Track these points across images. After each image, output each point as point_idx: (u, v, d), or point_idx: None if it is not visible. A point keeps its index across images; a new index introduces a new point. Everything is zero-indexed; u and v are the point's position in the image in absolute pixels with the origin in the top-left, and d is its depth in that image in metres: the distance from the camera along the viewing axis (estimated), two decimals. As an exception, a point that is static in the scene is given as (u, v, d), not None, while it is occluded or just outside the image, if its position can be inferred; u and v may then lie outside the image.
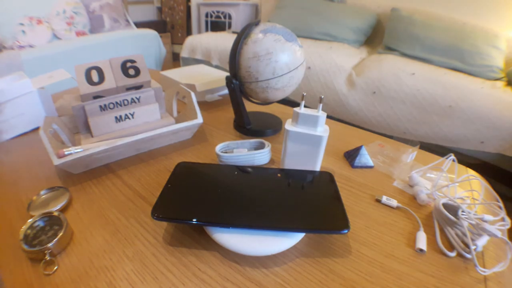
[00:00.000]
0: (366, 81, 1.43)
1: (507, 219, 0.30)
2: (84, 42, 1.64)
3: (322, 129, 0.33)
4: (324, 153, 0.35)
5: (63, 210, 0.30)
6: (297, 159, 0.35)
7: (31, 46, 1.63)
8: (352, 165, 0.40)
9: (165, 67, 2.50)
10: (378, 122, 1.45)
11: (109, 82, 0.40)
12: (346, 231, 0.25)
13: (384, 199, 0.33)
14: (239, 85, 0.41)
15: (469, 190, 0.36)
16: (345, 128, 0.53)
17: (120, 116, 0.41)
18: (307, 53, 1.56)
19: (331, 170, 0.39)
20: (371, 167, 0.40)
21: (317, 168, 0.35)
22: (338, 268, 0.25)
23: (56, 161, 0.32)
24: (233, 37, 1.78)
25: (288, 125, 0.34)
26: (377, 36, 1.95)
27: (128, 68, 0.42)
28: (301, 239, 0.26)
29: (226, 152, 0.38)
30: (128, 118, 0.42)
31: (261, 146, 0.40)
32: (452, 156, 0.37)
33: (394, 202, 0.33)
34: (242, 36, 0.38)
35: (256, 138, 0.41)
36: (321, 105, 0.32)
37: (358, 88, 1.45)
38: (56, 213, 0.27)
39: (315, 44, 1.71)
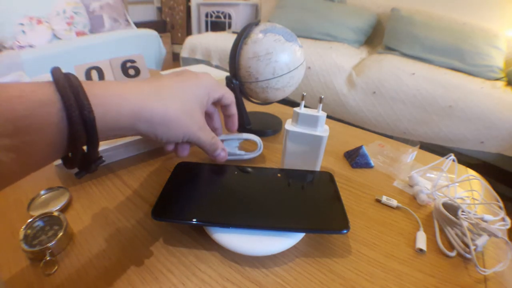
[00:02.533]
0: (366, 81, 1.43)
1: (507, 219, 0.30)
2: (84, 42, 1.64)
3: (322, 129, 0.33)
4: (324, 153, 0.35)
5: (63, 210, 0.30)
6: (297, 159, 0.35)
7: (31, 46, 1.63)
8: (352, 165, 0.40)
9: (165, 67, 2.50)
10: (378, 122, 1.45)
11: (109, 82, 0.40)
12: (346, 231, 0.25)
13: (384, 199, 0.33)
14: (239, 85, 0.41)
15: (469, 190, 0.36)
16: (345, 128, 0.53)
17: (120, 116, 0.41)
18: (307, 53, 1.56)
19: (331, 170, 0.39)
20: (371, 167, 0.40)
21: (317, 168, 0.35)
22: (338, 268, 0.25)
23: (56, 161, 0.32)
24: (233, 37, 1.78)
25: (288, 125, 0.34)
26: (377, 36, 1.95)
27: (128, 68, 0.42)
28: (301, 239, 0.26)
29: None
30: (128, 118, 0.42)
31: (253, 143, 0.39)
32: (452, 156, 0.37)
33: (394, 202, 0.33)
34: (242, 36, 0.38)
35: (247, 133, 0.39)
36: (321, 105, 0.32)
37: (358, 88, 1.45)
38: (56, 213, 0.27)
39: (315, 44, 1.71)
